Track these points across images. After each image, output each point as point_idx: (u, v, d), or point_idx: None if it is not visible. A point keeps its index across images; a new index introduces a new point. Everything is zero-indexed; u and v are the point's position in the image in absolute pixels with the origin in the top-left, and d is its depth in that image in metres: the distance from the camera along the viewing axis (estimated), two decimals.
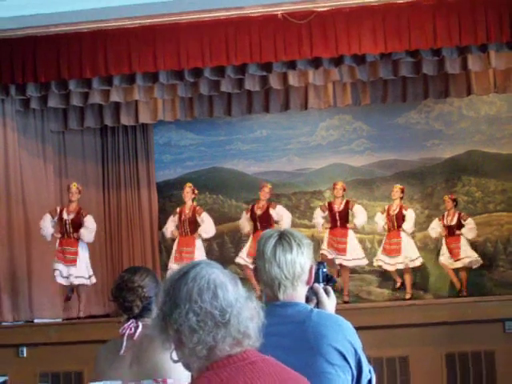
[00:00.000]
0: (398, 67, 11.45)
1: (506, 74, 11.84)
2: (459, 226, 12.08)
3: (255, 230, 11.90)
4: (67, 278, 11.53)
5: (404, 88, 12.40)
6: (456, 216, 12.13)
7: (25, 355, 10.41)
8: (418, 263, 12.08)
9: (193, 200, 12.15)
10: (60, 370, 10.36)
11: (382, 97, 12.53)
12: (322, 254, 11.77)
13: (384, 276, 12.73)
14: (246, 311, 2.06)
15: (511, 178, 12.99)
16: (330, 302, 3.03)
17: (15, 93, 11.56)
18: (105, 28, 10.91)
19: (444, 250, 12.18)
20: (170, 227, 12.12)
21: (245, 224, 12.19)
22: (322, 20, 10.61)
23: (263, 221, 11.85)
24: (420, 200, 13.31)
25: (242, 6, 10.50)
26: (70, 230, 11.62)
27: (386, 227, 12.16)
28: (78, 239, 11.63)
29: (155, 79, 11.45)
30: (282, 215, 11.96)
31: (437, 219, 12.34)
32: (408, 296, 12.01)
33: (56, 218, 11.66)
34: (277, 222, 11.90)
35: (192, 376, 2.16)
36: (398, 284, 12.29)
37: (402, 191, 12.26)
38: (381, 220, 12.27)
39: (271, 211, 11.96)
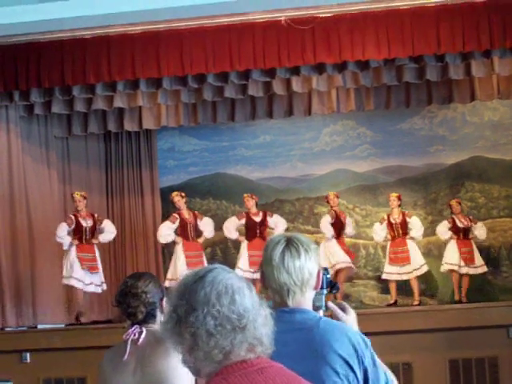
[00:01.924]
0: (402, 73, 11.46)
1: (510, 80, 11.85)
2: (468, 229, 12.06)
3: (252, 237, 11.96)
4: (88, 284, 11.60)
5: (407, 94, 12.41)
6: (467, 219, 12.12)
7: (28, 361, 10.41)
8: (424, 270, 12.03)
9: (186, 205, 12.18)
10: (63, 376, 10.36)
11: (386, 102, 12.54)
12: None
13: (387, 282, 12.70)
14: (260, 318, 2.05)
15: None
16: (348, 318, 3.03)
17: (19, 99, 11.58)
18: (108, 34, 10.92)
19: (450, 254, 12.08)
20: (170, 235, 12.07)
21: (233, 231, 12.20)
22: (325, 26, 10.61)
23: (261, 228, 12.00)
24: (423, 206, 13.30)
25: (246, 12, 10.50)
26: (88, 237, 11.71)
27: (388, 236, 12.12)
28: (93, 244, 11.73)
29: (159, 85, 11.47)
30: (277, 223, 12.04)
31: (446, 221, 12.20)
32: (416, 302, 11.93)
33: (73, 226, 11.68)
34: (271, 229, 11.98)
35: (196, 381, 2.16)
36: (392, 301, 12.21)
37: (399, 198, 12.21)
38: (381, 230, 12.20)
39: (268, 219, 12.02)
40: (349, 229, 12.29)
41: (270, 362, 2.07)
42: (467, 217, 12.19)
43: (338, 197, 12.30)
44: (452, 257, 12.03)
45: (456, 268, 11.99)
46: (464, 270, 11.98)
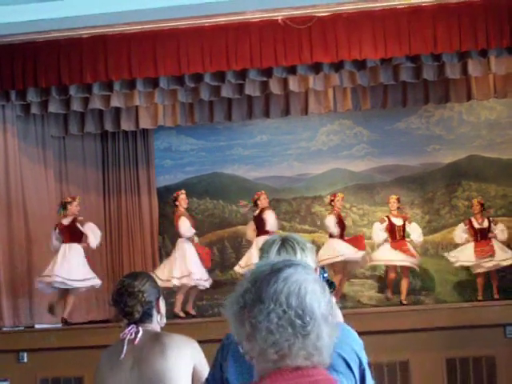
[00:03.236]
0: (399, 72, 11.46)
1: (506, 79, 11.86)
2: (489, 230, 11.94)
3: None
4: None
5: (404, 93, 12.41)
6: (486, 220, 12.01)
7: (25, 360, 10.41)
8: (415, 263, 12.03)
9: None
10: (60, 376, 10.36)
11: (383, 102, 12.54)
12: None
13: (385, 281, 12.71)
14: (327, 327, 1.93)
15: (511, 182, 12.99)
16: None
17: (15, 98, 11.57)
18: (105, 33, 10.93)
19: (464, 253, 11.96)
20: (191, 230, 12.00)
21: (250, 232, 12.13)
22: (322, 25, 10.62)
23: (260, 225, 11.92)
24: (420, 205, 13.31)
25: (243, 11, 10.50)
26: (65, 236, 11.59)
27: (388, 239, 12.08)
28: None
29: (155, 84, 11.47)
30: (266, 219, 11.83)
31: (462, 224, 12.13)
32: (404, 302, 11.94)
33: (57, 230, 11.59)
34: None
35: (192, 379, 2.12)
36: (389, 295, 12.21)
37: (399, 201, 12.22)
38: (380, 231, 12.11)
39: (263, 215, 11.91)
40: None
41: (327, 374, 1.97)
42: (488, 218, 12.08)
43: (342, 199, 12.25)
44: (465, 255, 11.93)
45: (470, 264, 11.95)
46: (486, 265, 11.91)
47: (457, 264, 12.09)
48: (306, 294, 1.92)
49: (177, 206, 11.91)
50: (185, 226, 11.68)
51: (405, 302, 11.91)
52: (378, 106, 12.63)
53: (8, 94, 11.50)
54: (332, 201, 12.23)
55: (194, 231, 11.79)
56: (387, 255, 11.98)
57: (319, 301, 1.93)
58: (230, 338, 3.22)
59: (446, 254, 12.24)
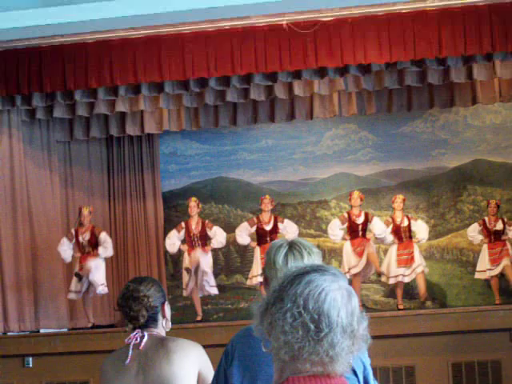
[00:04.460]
0: (403, 76, 11.46)
1: (511, 83, 11.85)
2: (503, 231, 11.87)
3: (264, 243, 11.79)
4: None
5: (409, 97, 12.41)
6: (500, 221, 11.96)
7: (31, 365, 10.41)
8: (421, 269, 11.96)
9: (198, 214, 12.13)
10: (65, 380, 10.36)
11: (388, 106, 12.54)
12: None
13: (390, 286, 12.68)
14: (345, 338, 1.88)
15: None
16: None
17: (21, 103, 11.59)
18: (110, 38, 10.94)
19: (480, 262, 11.91)
20: (177, 243, 12.04)
21: (245, 236, 12.14)
22: (327, 30, 10.63)
23: (272, 236, 11.84)
24: (425, 209, 13.29)
25: (247, 16, 10.52)
26: (88, 250, 11.77)
27: (394, 240, 12.02)
28: (96, 255, 11.75)
29: (161, 89, 11.48)
30: (287, 228, 11.94)
31: (476, 224, 12.08)
32: (401, 307, 11.92)
33: (73, 241, 11.73)
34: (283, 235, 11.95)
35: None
36: (423, 298, 12.12)
37: (404, 202, 12.16)
38: (388, 234, 12.03)
39: (279, 225, 11.93)
40: (376, 231, 12.01)
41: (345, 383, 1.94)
42: (502, 218, 12.04)
43: (361, 199, 12.08)
44: (481, 265, 11.92)
45: (487, 274, 11.88)
46: (493, 273, 11.86)
47: (476, 275, 12.10)
48: (326, 300, 1.89)
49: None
50: None
51: (401, 307, 11.94)
52: (383, 111, 12.63)
53: (13, 98, 11.52)
54: (349, 200, 12.15)
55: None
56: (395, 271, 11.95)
57: (339, 309, 1.89)
58: (234, 343, 3.22)
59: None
